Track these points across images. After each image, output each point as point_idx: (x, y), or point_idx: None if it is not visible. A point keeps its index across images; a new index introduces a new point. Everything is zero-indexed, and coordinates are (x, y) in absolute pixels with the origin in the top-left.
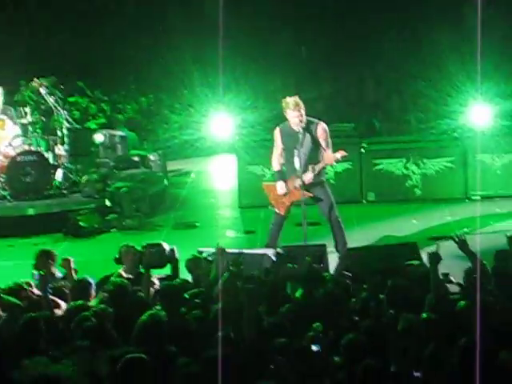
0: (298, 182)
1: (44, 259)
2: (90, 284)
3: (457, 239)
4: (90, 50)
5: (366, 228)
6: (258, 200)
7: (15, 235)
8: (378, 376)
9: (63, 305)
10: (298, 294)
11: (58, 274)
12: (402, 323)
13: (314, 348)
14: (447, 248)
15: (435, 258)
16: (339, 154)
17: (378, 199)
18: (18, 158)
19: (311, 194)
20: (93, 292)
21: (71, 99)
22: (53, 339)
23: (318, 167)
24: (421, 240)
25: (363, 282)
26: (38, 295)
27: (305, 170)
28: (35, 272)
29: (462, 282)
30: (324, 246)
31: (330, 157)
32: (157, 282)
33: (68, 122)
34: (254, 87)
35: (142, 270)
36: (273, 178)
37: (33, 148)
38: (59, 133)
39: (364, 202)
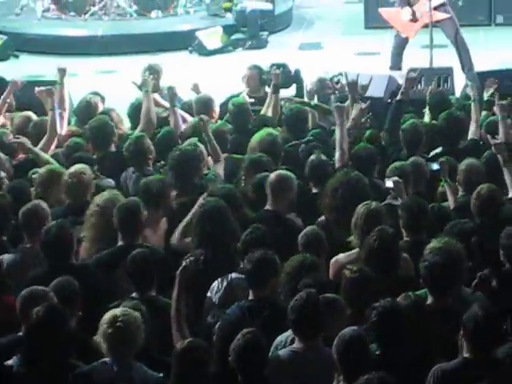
0: (426, 6)
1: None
2: (211, 100)
3: None
4: None
5: (493, 51)
6: (384, 22)
7: (141, 52)
8: None
9: (190, 119)
10: (426, 118)
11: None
12: None
13: (435, 166)
14: None
15: None
16: None
17: (507, 22)
18: None
19: (445, 16)
20: (216, 109)
21: None
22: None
23: None
24: None
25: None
26: (165, 107)
27: None
28: (163, 86)
29: None
30: (450, 68)
31: None
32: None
33: None
34: None
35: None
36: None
37: None
38: None
39: (492, 25)
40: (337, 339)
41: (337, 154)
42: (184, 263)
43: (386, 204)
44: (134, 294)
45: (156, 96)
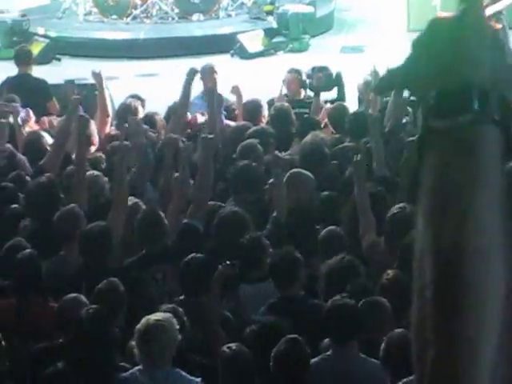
0: (488, 11)
1: (211, 74)
2: (260, 105)
3: None
4: None
5: None
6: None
7: (182, 55)
8: None
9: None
10: None
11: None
12: None
13: None
14: None
15: None
16: None
17: None
18: None
19: (498, 26)
20: (265, 113)
21: None
22: None
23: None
24: None
25: None
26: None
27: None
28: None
29: None
30: None
31: None
32: (324, 105)
33: None
34: None
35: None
36: (443, 3)
37: None
38: None
39: None
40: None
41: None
42: (220, 268)
43: None
44: (181, 297)
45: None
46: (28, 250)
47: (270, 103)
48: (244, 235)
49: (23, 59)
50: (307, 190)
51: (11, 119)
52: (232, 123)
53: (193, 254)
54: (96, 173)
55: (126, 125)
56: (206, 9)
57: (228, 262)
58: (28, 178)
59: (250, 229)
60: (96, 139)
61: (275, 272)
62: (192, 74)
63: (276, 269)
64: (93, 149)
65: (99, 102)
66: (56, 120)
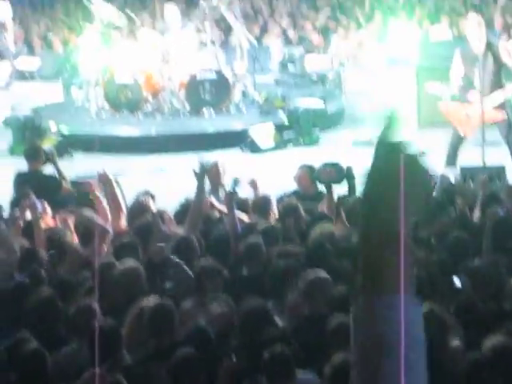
0: (483, 104)
1: (216, 171)
2: (269, 201)
3: None
4: None
5: None
6: (437, 119)
7: (193, 151)
8: None
9: (246, 219)
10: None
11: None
12: None
13: (456, 281)
14: None
15: None
16: None
17: None
18: (198, 75)
19: (499, 117)
20: (274, 209)
21: None
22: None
23: (508, 89)
24: None
25: None
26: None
27: (487, 92)
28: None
29: None
30: (503, 167)
31: None
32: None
33: (248, 39)
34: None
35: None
36: (452, 99)
37: (212, 65)
38: (238, 50)
39: None
40: None
41: None
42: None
43: None
44: None
45: (212, 199)
46: (33, 344)
47: (279, 201)
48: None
49: (33, 156)
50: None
51: (28, 214)
52: (244, 217)
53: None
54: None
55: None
56: (218, 105)
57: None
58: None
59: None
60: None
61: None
62: (202, 170)
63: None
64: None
65: (110, 199)
66: (71, 217)
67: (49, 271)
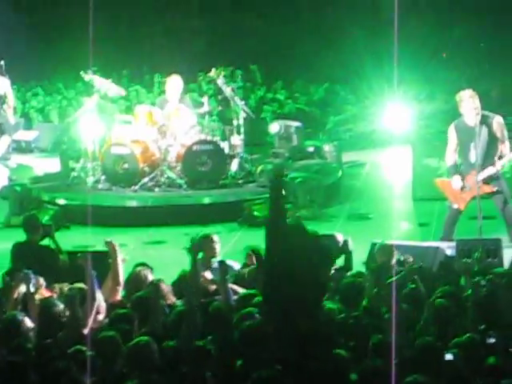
0: (477, 178)
1: (209, 244)
2: None
3: None
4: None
5: None
6: (432, 192)
7: (191, 223)
8: None
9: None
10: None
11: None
12: None
13: (449, 357)
14: None
15: None
16: None
17: None
18: (194, 147)
19: (494, 190)
20: None
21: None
22: None
23: (502, 162)
24: None
25: None
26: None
27: (482, 165)
28: (213, 260)
29: None
30: (499, 240)
31: None
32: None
33: (244, 111)
34: (430, 78)
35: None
36: (448, 173)
37: (209, 137)
38: (235, 122)
39: None
40: None
41: None
42: None
43: None
44: None
45: (206, 273)
46: None
47: None
48: None
49: (32, 229)
50: None
51: (23, 287)
52: (239, 289)
53: None
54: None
55: None
56: (214, 177)
57: None
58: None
59: None
60: (103, 307)
61: None
62: (195, 247)
63: None
64: (100, 317)
65: (112, 270)
66: (67, 287)
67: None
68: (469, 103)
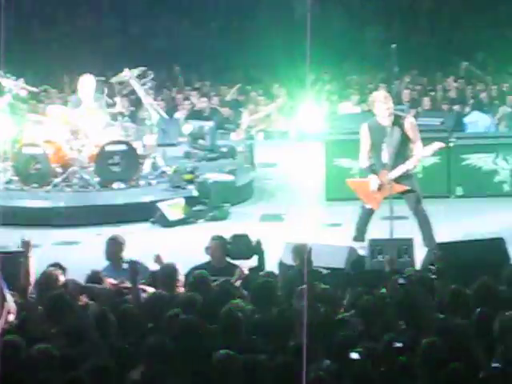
0: (389, 177)
1: (119, 246)
2: (175, 270)
3: None
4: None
5: (453, 223)
6: (345, 193)
7: (103, 223)
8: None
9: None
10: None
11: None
12: (501, 323)
13: (354, 355)
14: None
15: None
16: (437, 146)
17: (466, 194)
18: (107, 148)
19: (405, 188)
20: (180, 278)
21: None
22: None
23: (413, 161)
24: (509, 236)
25: (449, 278)
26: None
27: (394, 165)
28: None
29: None
30: (411, 239)
31: (427, 149)
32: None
33: (157, 112)
34: (343, 78)
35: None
36: (360, 173)
37: (122, 138)
38: (148, 122)
39: (452, 196)
40: None
41: None
42: None
43: None
44: None
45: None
46: None
47: (189, 274)
48: None
49: None
50: None
51: None
52: (150, 289)
53: None
54: None
55: None
56: (127, 177)
57: None
58: None
59: None
60: (14, 308)
61: None
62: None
63: None
64: (11, 317)
65: (23, 270)
66: None
67: None
68: (382, 104)
